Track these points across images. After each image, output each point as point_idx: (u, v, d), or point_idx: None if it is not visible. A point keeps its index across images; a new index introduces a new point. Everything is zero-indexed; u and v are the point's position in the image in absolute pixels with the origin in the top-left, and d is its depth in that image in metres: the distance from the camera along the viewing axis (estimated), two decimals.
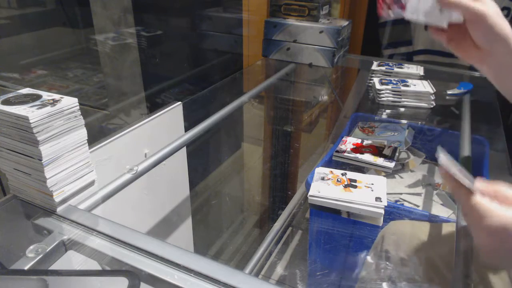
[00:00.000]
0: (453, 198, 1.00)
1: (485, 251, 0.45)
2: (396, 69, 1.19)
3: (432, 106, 1.07)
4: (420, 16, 0.59)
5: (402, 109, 1.09)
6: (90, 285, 0.44)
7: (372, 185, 0.74)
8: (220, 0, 1.56)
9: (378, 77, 1.19)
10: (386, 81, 1.11)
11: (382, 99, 1.08)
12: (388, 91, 1.07)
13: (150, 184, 0.90)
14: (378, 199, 0.70)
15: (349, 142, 0.95)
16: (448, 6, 0.56)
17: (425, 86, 1.09)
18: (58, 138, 0.52)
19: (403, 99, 1.07)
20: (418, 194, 1.00)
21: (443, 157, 0.47)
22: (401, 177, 1.06)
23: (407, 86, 1.08)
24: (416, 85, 1.09)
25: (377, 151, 0.92)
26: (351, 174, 0.78)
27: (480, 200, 0.44)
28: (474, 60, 0.59)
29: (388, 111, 1.10)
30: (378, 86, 1.08)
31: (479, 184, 0.46)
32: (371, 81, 1.19)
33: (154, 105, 1.34)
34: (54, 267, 0.49)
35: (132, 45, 1.28)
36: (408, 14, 0.60)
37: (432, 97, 1.06)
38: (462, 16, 0.56)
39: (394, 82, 1.11)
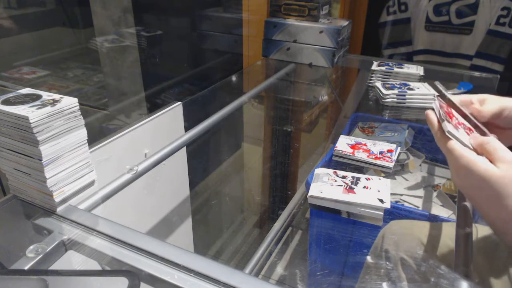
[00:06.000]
0: (453, 199, 1.00)
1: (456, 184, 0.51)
2: (396, 69, 1.19)
3: None
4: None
5: (404, 110, 1.09)
6: (90, 285, 0.44)
7: (375, 187, 0.74)
8: (220, 0, 1.56)
9: (379, 78, 1.19)
10: (389, 85, 1.11)
11: (387, 104, 1.08)
12: (393, 96, 1.07)
13: (150, 184, 0.90)
14: (381, 200, 0.70)
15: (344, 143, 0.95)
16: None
17: (428, 89, 1.09)
18: (58, 138, 0.52)
19: (407, 102, 1.07)
20: (419, 197, 1.00)
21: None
22: (401, 178, 1.06)
23: (412, 89, 1.08)
24: (419, 88, 1.09)
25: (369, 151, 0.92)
26: (352, 175, 0.78)
27: (455, 146, 0.49)
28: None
29: (389, 111, 1.10)
30: (383, 91, 1.08)
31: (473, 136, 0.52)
32: (371, 81, 1.19)
33: (154, 105, 1.34)
34: (54, 267, 0.49)
35: (132, 45, 1.28)
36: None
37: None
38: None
39: (398, 85, 1.10)
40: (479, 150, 0.49)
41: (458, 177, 0.49)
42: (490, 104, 0.59)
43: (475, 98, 0.62)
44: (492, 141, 0.48)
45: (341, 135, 0.99)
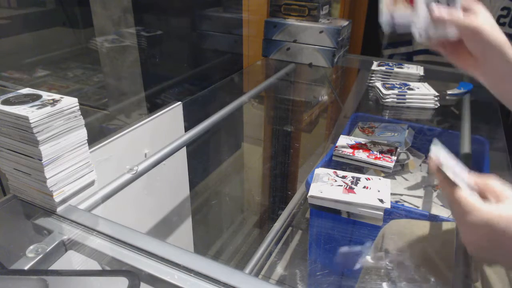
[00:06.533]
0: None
1: (471, 247, 0.45)
2: (396, 69, 1.19)
3: (436, 107, 1.07)
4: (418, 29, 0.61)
5: (404, 110, 1.09)
6: (90, 285, 0.44)
7: (375, 187, 0.74)
8: (220, 0, 1.56)
9: (379, 78, 1.19)
10: (389, 85, 1.11)
11: (387, 103, 1.08)
12: (393, 96, 1.07)
13: (150, 184, 0.90)
14: (381, 200, 0.70)
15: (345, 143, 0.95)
16: (442, 23, 0.58)
17: (428, 89, 1.09)
18: (58, 138, 0.52)
19: (407, 102, 1.07)
20: (419, 197, 1.00)
21: (435, 149, 0.49)
22: (401, 178, 1.06)
23: (412, 89, 1.08)
24: (419, 88, 1.09)
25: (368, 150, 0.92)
26: (352, 175, 0.78)
27: (462, 195, 0.44)
28: (470, 68, 0.61)
29: (389, 111, 1.10)
30: (383, 91, 1.08)
31: (470, 177, 0.46)
32: (371, 81, 1.19)
33: (154, 105, 1.34)
34: (54, 267, 0.49)
35: (132, 45, 1.28)
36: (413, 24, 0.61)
37: (436, 98, 1.06)
38: (457, 32, 0.58)
39: (398, 85, 1.10)
40: (482, 187, 0.46)
41: (477, 236, 0.43)
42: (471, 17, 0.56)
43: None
44: (495, 180, 0.46)
45: (341, 135, 0.99)
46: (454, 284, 0.48)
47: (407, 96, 1.06)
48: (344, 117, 1.25)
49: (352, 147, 0.93)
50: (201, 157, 1.40)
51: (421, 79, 1.17)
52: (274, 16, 1.30)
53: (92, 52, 1.28)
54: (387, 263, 0.72)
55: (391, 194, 0.73)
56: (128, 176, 0.66)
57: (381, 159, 0.90)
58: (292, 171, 1.61)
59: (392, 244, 0.73)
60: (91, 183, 0.59)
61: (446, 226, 0.72)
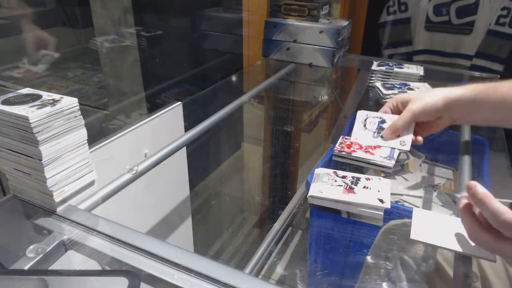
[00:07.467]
0: (453, 199, 1.00)
1: None
2: (396, 69, 1.19)
3: None
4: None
5: None
6: (90, 285, 0.44)
7: (375, 187, 0.74)
8: (220, 0, 1.56)
9: (379, 78, 1.19)
10: (389, 85, 1.11)
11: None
12: (394, 96, 1.07)
13: (150, 184, 0.90)
14: (381, 200, 0.69)
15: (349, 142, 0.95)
16: (395, 133, 0.68)
17: (428, 89, 1.09)
18: (58, 138, 0.52)
19: None
20: (419, 197, 1.00)
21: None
22: (401, 178, 1.06)
23: (412, 89, 1.08)
24: (419, 88, 1.09)
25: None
26: (352, 175, 0.78)
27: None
28: (465, 123, 0.66)
29: None
30: (383, 91, 1.08)
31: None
32: (371, 81, 1.19)
33: (154, 105, 1.34)
34: (54, 267, 0.49)
35: (132, 45, 1.28)
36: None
37: None
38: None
39: (398, 86, 1.10)
40: None
41: None
42: (406, 111, 0.65)
43: (399, 101, 0.68)
44: None
45: (341, 135, 0.99)
46: (454, 284, 0.48)
47: None
48: (344, 117, 1.25)
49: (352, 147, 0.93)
50: (201, 157, 1.40)
51: (421, 79, 1.17)
52: (274, 16, 1.30)
53: (92, 52, 1.28)
54: (387, 263, 0.72)
55: (391, 194, 0.73)
56: (128, 176, 0.66)
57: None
58: (292, 171, 1.61)
59: (392, 244, 0.73)
60: (91, 183, 0.59)
61: None
